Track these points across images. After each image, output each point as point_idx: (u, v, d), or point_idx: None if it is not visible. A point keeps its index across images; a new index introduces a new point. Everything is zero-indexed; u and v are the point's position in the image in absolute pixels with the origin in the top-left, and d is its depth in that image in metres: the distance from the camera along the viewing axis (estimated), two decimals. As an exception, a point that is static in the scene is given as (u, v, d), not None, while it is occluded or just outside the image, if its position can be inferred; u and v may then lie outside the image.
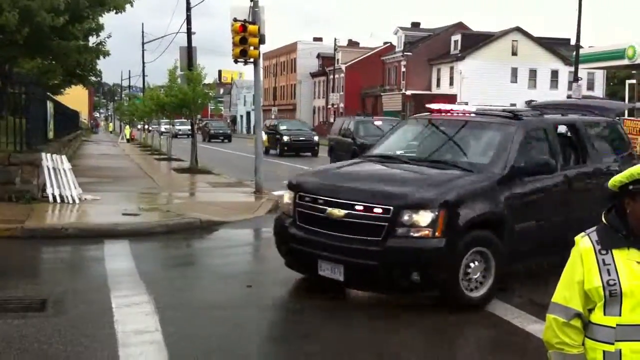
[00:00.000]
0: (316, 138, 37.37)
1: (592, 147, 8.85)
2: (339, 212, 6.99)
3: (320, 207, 7.23)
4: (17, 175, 13.02)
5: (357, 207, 6.90)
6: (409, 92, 62.78)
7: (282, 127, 38.32)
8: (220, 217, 12.63)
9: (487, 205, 7.11)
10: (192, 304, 6.99)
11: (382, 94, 69.12)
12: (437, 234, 6.62)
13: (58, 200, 13.28)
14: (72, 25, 21.43)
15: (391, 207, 6.74)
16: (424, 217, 6.66)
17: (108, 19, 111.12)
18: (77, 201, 13.46)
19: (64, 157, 14.53)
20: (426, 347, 5.84)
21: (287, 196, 8.01)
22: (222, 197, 15.84)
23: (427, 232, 6.64)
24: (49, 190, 13.35)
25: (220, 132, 61.12)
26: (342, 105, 77.23)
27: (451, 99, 56.12)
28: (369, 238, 6.80)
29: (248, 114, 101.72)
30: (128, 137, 60.03)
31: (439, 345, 5.94)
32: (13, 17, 17.02)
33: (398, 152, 8.78)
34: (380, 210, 6.78)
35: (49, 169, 13.42)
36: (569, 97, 42.71)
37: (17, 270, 8.59)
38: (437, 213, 6.63)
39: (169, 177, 21.63)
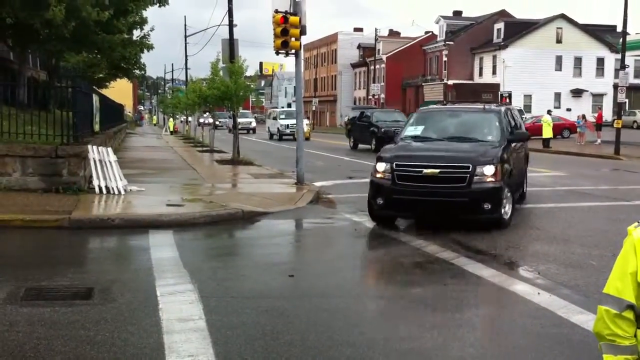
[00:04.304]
0: None
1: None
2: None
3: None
4: (65, 167, 13.30)
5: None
6: (450, 82, 62.07)
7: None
8: (262, 208, 12.70)
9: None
10: (235, 293, 7.04)
11: (423, 84, 68.57)
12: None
13: (104, 191, 13.53)
14: (117, 19, 21.78)
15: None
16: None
17: (151, 13, 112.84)
18: (122, 192, 13.69)
19: (109, 149, 14.78)
20: (470, 339, 5.78)
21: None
22: (263, 188, 15.93)
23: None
24: (95, 182, 13.61)
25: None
26: (382, 95, 76.86)
27: (494, 88, 55.41)
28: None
29: (289, 105, 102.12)
30: (172, 129, 60.84)
31: (483, 337, 5.87)
32: (60, 11, 17.35)
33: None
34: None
35: (95, 161, 13.68)
36: (615, 85, 41.70)
37: (65, 259, 8.79)
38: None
39: (211, 169, 21.84)
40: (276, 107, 75.00)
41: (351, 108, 55.96)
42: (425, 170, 10.61)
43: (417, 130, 12.58)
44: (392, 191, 10.80)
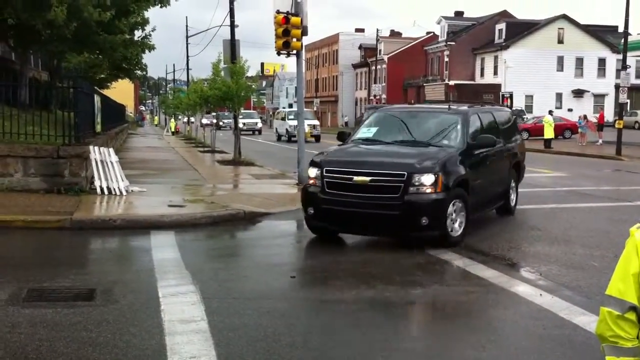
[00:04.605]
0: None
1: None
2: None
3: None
4: (66, 168, 13.31)
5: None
6: (452, 82, 62.10)
7: None
8: (263, 209, 12.71)
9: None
10: (237, 294, 7.04)
11: (424, 84, 68.56)
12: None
13: (105, 192, 13.54)
14: (119, 20, 21.79)
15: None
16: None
17: (152, 14, 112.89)
18: (124, 193, 13.70)
19: (111, 149, 14.79)
20: (471, 340, 5.77)
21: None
22: (265, 189, 15.93)
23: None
24: (96, 183, 13.62)
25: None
26: (384, 96, 76.84)
27: (495, 88, 55.41)
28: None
29: (290, 106, 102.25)
30: (173, 130, 60.87)
31: (484, 338, 5.87)
32: (61, 12, 17.35)
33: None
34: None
35: (96, 161, 13.69)
36: (617, 86, 41.69)
37: (67, 260, 8.80)
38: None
39: (212, 170, 21.84)
40: (283, 108, 74.45)
41: (366, 107, 55.28)
42: (355, 178, 9.33)
43: (370, 132, 11.24)
44: (321, 200, 9.62)
